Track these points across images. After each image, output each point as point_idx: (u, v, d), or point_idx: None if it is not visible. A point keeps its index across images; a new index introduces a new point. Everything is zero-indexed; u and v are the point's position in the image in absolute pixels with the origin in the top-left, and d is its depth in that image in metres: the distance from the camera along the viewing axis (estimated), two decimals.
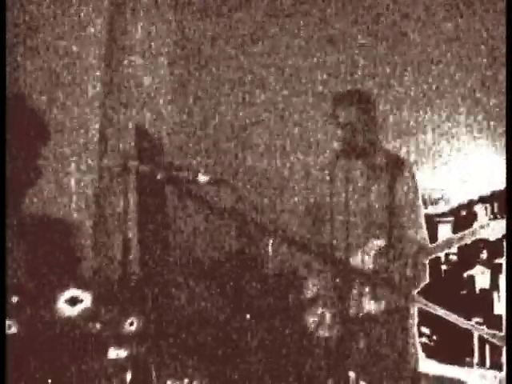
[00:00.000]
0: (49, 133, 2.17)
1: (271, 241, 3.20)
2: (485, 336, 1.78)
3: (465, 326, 1.71)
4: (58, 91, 3.48)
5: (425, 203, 3.29)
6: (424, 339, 6.91)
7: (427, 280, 3.06)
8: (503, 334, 1.75)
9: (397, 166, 3.06)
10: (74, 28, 3.61)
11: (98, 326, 2.13)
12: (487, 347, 6.34)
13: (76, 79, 3.63)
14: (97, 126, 3.72)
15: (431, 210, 6.31)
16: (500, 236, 2.94)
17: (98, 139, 3.70)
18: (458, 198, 6.67)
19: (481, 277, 6.72)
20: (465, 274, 7.00)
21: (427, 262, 3.08)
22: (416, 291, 3.01)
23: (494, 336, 1.82)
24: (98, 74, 3.77)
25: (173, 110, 4.92)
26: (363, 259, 2.98)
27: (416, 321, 3.16)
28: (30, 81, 3.39)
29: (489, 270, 6.65)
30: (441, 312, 1.70)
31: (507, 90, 2.92)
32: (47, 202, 3.08)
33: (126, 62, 4.05)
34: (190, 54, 5.05)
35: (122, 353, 2.13)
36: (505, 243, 2.67)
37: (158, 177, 1.59)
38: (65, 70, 3.55)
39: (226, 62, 5.03)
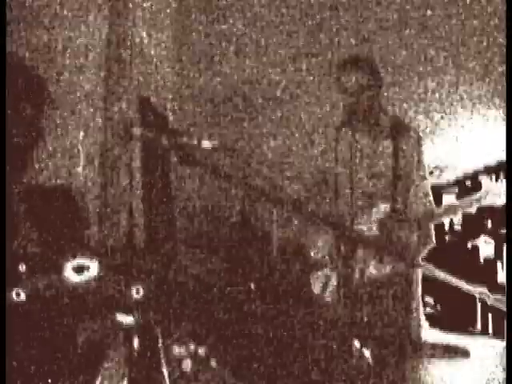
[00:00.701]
0: (52, 98, 2.16)
1: (275, 208, 3.22)
2: (488, 301, 1.79)
3: (469, 290, 1.72)
4: (60, 58, 3.47)
5: (429, 173, 3.28)
6: (427, 308, 6.96)
7: (433, 244, 3.07)
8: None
9: (401, 132, 3.05)
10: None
11: (104, 293, 2.15)
12: (490, 316, 6.39)
13: (78, 46, 3.61)
14: (100, 94, 3.71)
15: (436, 179, 6.30)
16: (505, 201, 2.94)
17: (102, 107, 3.70)
18: (463, 168, 6.66)
19: (485, 246, 6.74)
20: (469, 244, 7.03)
21: (433, 226, 3.09)
22: (421, 256, 3.02)
23: (497, 301, 1.83)
24: (101, 41, 3.74)
25: (176, 78, 4.89)
26: (368, 225, 2.99)
27: (420, 289, 3.18)
28: (32, 48, 3.37)
29: (493, 240, 6.67)
30: (444, 276, 1.71)
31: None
32: (53, 170, 3.08)
33: (129, 25, 4.02)
34: (193, 18, 5.00)
35: (129, 319, 2.15)
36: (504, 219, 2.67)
37: (163, 143, 1.60)
38: (67, 37, 3.53)
39: (230, 29, 4.98)
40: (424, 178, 3.14)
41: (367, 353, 2.94)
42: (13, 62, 2.13)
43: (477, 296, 1.78)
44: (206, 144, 1.69)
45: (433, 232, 3.07)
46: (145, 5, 4.38)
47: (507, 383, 2.23)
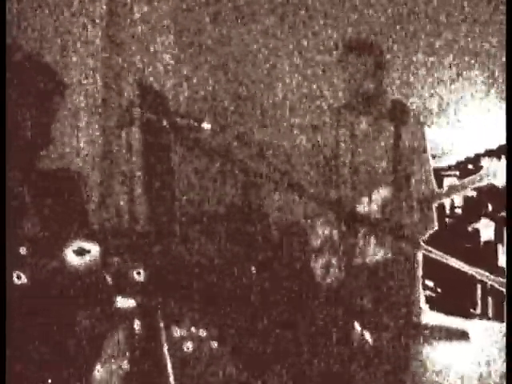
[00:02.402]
0: (63, 92, 2.13)
1: (276, 192, 3.21)
2: (488, 282, 1.80)
3: (470, 272, 1.73)
4: (59, 42, 3.45)
5: (431, 157, 3.28)
6: (428, 292, 6.99)
7: (435, 227, 3.08)
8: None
9: (403, 115, 3.05)
10: None
11: (105, 275, 2.15)
12: (490, 299, 6.42)
13: (78, 31, 3.59)
14: (100, 78, 3.71)
15: (437, 163, 6.29)
16: (505, 181, 2.94)
17: (102, 91, 3.69)
18: (464, 152, 6.65)
19: (485, 229, 6.76)
20: (469, 227, 7.04)
21: (434, 208, 3.09)
22: (423, 238, 3.03)
23: (497, 282, 1.83)
24: (100, 26, 3.73)
25: (175, 61, 4.87)
26: (369, 208, 2.99)
27: (420, 272, 3.19)
28: (33, 35, 3.36)
29: (493, 223, 6.68)
30: (445, 258, 1.71)
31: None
32: (54, 154, 3.08)
33: (127, 12, 4.00)
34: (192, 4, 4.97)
35: (130, 302, 2.15)
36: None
37: (163, 124, 1.58)
38: (67, 23, 3.51)
39: (231, 14, 4.95)
40: (426, 161, 3.14)
41: (368, 335, 2.95)
42: (20, 53, 2.10)
43: (477, 277, 1.78)
44: (206, 126, 1.67)
45: (435, 215, 3.08)
46: None
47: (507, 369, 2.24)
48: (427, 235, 3.07)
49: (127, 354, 2.11)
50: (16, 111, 2.04)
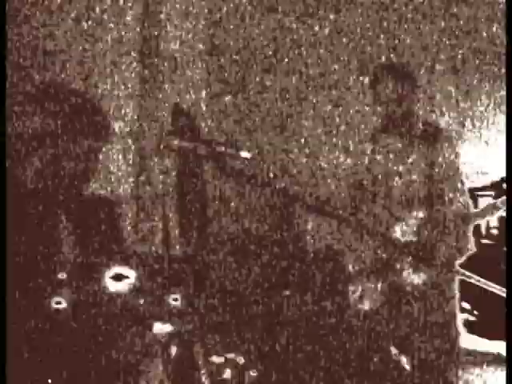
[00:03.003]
0: (109, 131, 2.17)
1: (311, 216, 3.21)
2: None
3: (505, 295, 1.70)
4: (95, 73, 3.53)
5: (466, 177, 3.26)
6: (465, 314, 6.84)
7: (473, 249, 3.05)
8: None
9: (436, 137, 3.04)
10: (110, 11, 3.64)
11: (142, 301, 2.17)
12: None
13: (112, 61, 3.66)
14: (136, 107, 3.77)
15: (471, 183, 6.20)
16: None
17: (137, 118, 3.75)
18: (499, 171, 6.54)
19: None
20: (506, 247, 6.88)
21: (471, 229, 3.07)
22: (460, 261, 3.00)
23: None
24: (136, 54, 3.80)
25: (209, 88, 4.92)
26: (405, 231, 2.98)
27: (457, 295, 3.15)
28: (68, 66, 3.43)
29: None
30: (483, 282, 1.69)
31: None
32: (93, 181, 3.12)
33: (161, 43, 4.08)
34: (227, 30, 5.04)
35: (167, 328, 2.16)
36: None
37: (199, 152, 1.60)
38: (101, 53, 3.59)
39: (262, 37, 5.01)
40: (460, 181, 3.12)
41: (404, 360, 2.91)
42: (68, 88, 2.15)
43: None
44: (245, 154, 1.68)
45: (472, 238, 3.04)
46: (176, 18, 4.43)
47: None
48: (464, 258, 3.03)
49: (164, 380, 2.11)
50: (64, 144, 2.08)
